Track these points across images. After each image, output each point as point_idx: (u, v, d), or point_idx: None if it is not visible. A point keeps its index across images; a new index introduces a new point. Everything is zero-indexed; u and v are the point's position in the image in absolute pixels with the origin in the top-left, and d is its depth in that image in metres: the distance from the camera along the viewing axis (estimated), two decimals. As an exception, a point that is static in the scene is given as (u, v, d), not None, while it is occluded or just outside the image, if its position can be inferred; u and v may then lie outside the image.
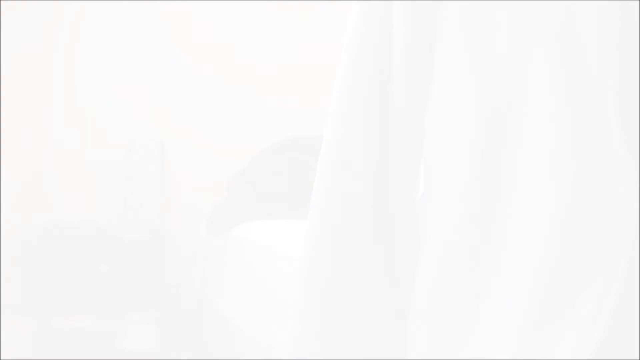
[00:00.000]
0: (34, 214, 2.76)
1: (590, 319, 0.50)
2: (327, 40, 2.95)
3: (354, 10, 0.69)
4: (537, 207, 0.53)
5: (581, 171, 0.52)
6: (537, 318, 0.51)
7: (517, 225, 0.55)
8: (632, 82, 0.57)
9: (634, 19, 0.57)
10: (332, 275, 0.68)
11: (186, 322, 2.93)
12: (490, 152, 0.58)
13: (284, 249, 1.71)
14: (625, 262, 0.51)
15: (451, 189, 0.60)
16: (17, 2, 2.50)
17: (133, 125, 2.89)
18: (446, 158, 0.61)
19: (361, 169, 0.70)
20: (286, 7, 3.13)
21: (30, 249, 2.71)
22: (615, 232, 0.51)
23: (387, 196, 0.72)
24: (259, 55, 3.09)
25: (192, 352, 2.94)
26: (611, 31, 0.55)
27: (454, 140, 0.61)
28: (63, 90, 2.85)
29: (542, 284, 0.51)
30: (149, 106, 2.94)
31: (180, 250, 2.88)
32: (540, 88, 0.54)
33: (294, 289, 0.70)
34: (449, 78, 0.63)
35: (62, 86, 2.85)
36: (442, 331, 0.60)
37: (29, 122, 2.78)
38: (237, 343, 2.08)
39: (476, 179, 0.58)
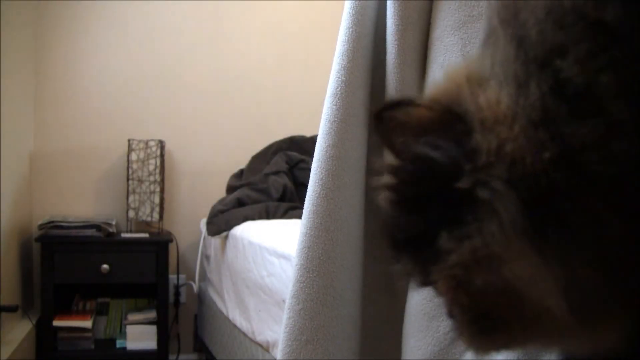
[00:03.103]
0: (34, 214, 2.76)
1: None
2: (325, 41, 2.95)
3: (347, 12, 0.68)
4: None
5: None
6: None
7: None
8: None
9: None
10: (325, 281, 0.67)
11: (186, 322, 2.93)
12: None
13: (283, 250, 1.70)
14: None
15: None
16: (17, 2, 2.49)
17: (133, 125, 2.89)
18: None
19: (355, 174, 0.69)
20: (285, 12, 3.12)
21: (30, 249, 2.71)
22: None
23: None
24: (259, 56, 3.08)
25: (192, 352, 2.94)
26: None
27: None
28: (63, 90, 2.85)
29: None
30: (149, 106, 2.93)
31: (180, 250, 2.87)
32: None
33: (288, 292, 0.70)
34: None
35: (62, 86, 2.85)
36: (437, 337, 0.59)
37: (29, 121, 2.78)
38: (237, 343, 2.08)
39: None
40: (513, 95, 0.36)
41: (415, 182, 0.38)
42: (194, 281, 2.84)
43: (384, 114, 0.39)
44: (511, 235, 0.34)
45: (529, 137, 0.35)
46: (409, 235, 0.38)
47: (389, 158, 0.40)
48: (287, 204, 2.48)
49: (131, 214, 2.72)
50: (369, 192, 0.71)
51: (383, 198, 0.40)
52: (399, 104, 0.39)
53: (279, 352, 0.70)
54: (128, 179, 2.72)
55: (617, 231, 0.34)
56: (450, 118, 0.37)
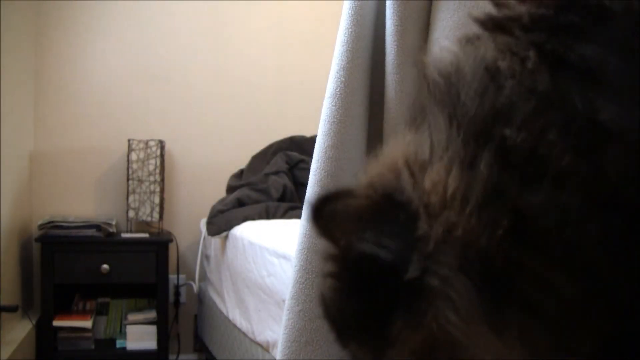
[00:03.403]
0: (34, 214, 2.76)
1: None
2: (325, 41, 2.94)
3: (346, 12, 0.68)
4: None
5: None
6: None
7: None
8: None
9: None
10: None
11: (186, 322, 2.93)
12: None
13: (283, 250, 1.70)
14: None
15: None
16: (17, 2, 2.49)
17: (133, 125, 2.89)
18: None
19: (353, 174, 0.69)
20: (285, 12, 3.12)
21: (31, 249, 2.71)
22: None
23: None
24: (259, 57, 3.08)
25: (192, 352, 2.94)
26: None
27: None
28: (63, 90, 2.85)
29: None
30: (149, 106, 2.93)
31: (180, 250, 2.87)
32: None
33: (288, 293, 0.70)
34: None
35: (62, 86, 2.84)
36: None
37: (29, 121, 2.78)
38: (237, 343, 2.08)
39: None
40: (459, 176, 0.35)
41: (360, 274, 0.36)
42: (194, 281, 2.84)
43: (322, 208, 0.38)
44: (468, 320, 0.33)
45: (480, 217, 0.34)
46: (355, 323, 0.37)
47: (330, 246, 0.39)
48: (287, 204, 2.48)
49: (131, 214, 2.72)
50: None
51: (326, 286, 0.38)
52: (336, 196, 0.38)
53: (278, 353, 0.70)
54: (128, 179, 2.72)
55: (575, 297, 0.33)
56: (392, 207, 0.36)
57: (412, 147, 0.38)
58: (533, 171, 0.33)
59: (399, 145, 0.40)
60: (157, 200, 2.73)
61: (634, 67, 0.34)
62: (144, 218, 2.72)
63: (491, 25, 0.40)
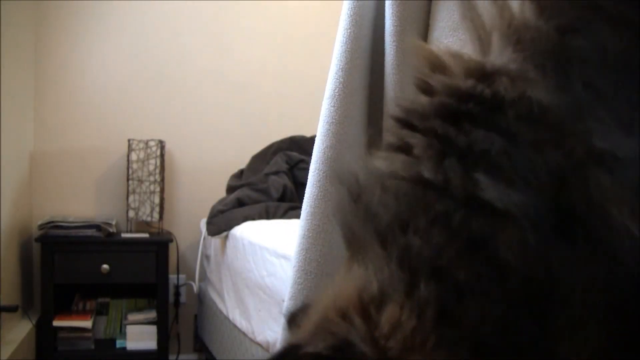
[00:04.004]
0: (34, 214, 2.76)
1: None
2: (325, 41, 2.94)
3: (345, 13, 0.68)
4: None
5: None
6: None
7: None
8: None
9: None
10: (322, 281, 0.67)
11: (186, 322, 2.93)
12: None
13: (283, 250, 1.70)
14: None
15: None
16: (17, 2, 2.49)
17: (133, 125, 2.89)
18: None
19: (352, 175, 0.69)
20: (284, 12, 3.12)
21: (31, 249, 2.71)
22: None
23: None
24: (259, 57, 3.08)
25: (192, 352, 2.94)
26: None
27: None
28: (63, 90, 2.85)
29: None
30: (149, 106, 2.93)
31: (180, 250, 2.87)
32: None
33: (286, 293, 0.70)
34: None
35: (62, 86, 2.84)
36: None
37: (29, 121, 2.78)
38: (237, 343, 2.08)
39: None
40: (410, 312, 0.33)
41: None
42: (194, 281, 2.84)
43: None
44: None
45: (441, 348, 0.32)
46: None
47: None
48: (287, 204, 2.48)
49: (131, 214, 2.71)
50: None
51: None
52: (284, 355, 0.36)
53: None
54: (128, 179, 2.71)
55: None
56: None
57: (359, 282, 0.36)
58: (447, 280, 0.32)
59: (346, 279, 0.37)
60: (157, 200, 2.73)
61: (522, 148, 0.34)
62: (144, 218, 2.72)
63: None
